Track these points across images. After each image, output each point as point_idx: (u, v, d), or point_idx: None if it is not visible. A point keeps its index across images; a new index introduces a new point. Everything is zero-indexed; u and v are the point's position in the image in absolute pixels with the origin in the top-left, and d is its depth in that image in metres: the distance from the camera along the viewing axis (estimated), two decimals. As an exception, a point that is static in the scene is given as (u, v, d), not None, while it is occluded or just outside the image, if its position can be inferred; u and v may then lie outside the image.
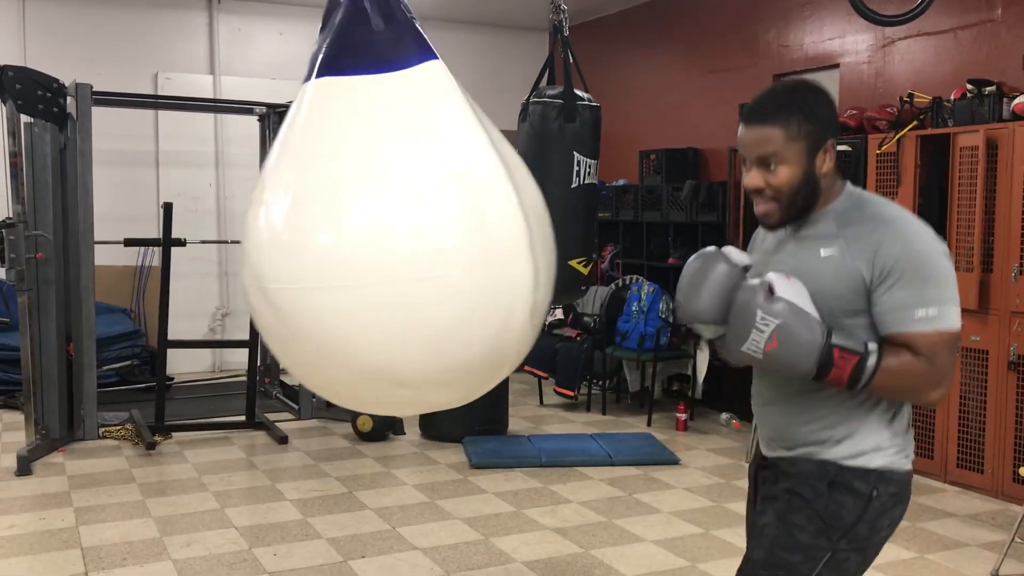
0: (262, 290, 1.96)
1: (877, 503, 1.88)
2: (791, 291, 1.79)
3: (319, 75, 2.05)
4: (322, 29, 2.12)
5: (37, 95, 5.31)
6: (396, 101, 1.98)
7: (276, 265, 1.93)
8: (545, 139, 3.49)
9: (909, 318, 1.77)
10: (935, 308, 1.76)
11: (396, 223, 1.86)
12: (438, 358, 1.93)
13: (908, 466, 1.93)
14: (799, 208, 1.88)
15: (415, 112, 1.97)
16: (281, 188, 1.98)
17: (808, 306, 1.77)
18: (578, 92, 3.60)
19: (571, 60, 3.68)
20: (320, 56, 2.07)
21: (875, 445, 1.89)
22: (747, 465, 5.37)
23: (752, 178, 1.87)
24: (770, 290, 1.79)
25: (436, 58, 2.06)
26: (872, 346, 1.78)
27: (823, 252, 1.86)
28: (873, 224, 1.84)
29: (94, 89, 5.67)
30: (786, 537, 1.89)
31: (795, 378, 1.85)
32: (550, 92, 3.59)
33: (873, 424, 1.90)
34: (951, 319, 1.78)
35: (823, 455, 1.91)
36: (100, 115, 5.90)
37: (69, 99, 5.62)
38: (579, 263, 3.54)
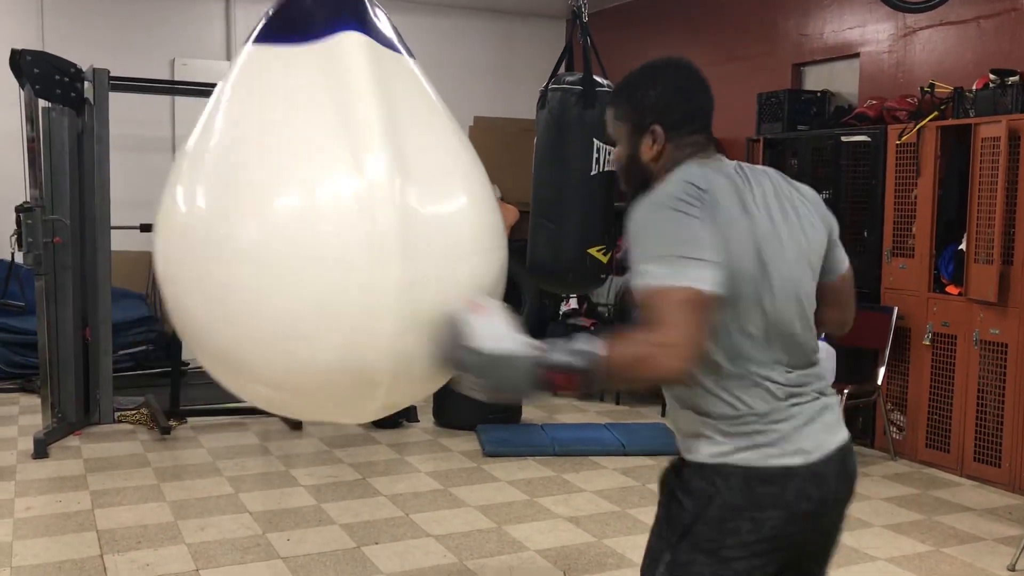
0: (179, 262, 1.96)
1: (724, 502, 1.69)
2: (487, 324, 1.70)
3: (254, 42, 2.09)
4: None
5: (55, 80, 5.32)
6: (298, 74, 1.97)
7: (200, 238, 1.90)
8: (564, 126, 3.46)
9: (635, 279, 1.63)
10: (641, 265, 1.61)
11: (297, 210, 1.81)
12: (284, 356, 1.80)
13: (766, 462, 1.69)
14: (635, 186, 1.88)
15: (313, 88, 1.93)
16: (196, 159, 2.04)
17: (505, 338, 1.68)
18: (597, 78, 3.57)
19: (590, 46, 3.65)
20: (259, 23, 2.11)
21: (714, 439, 1.72)
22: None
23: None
24: (458, 333, 1.70)
25: (353, 29, 2.00)
26: (589, 349, 1.60)
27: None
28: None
29: (111, 74, 5.68)
30: (649, 537, 1.84)
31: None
32: (569, 79, 3.56)
33: (713, 420, 1.73)
34: (655, 277, 1.58)
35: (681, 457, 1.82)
36: (117, 100, 5.91)
37: (87, 84, 5.62)
38: (598, 251, 3.51)
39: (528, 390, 1.64)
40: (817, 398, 1.79)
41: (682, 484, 1.75)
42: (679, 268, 1.58)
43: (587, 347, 1.60)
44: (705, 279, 1.58)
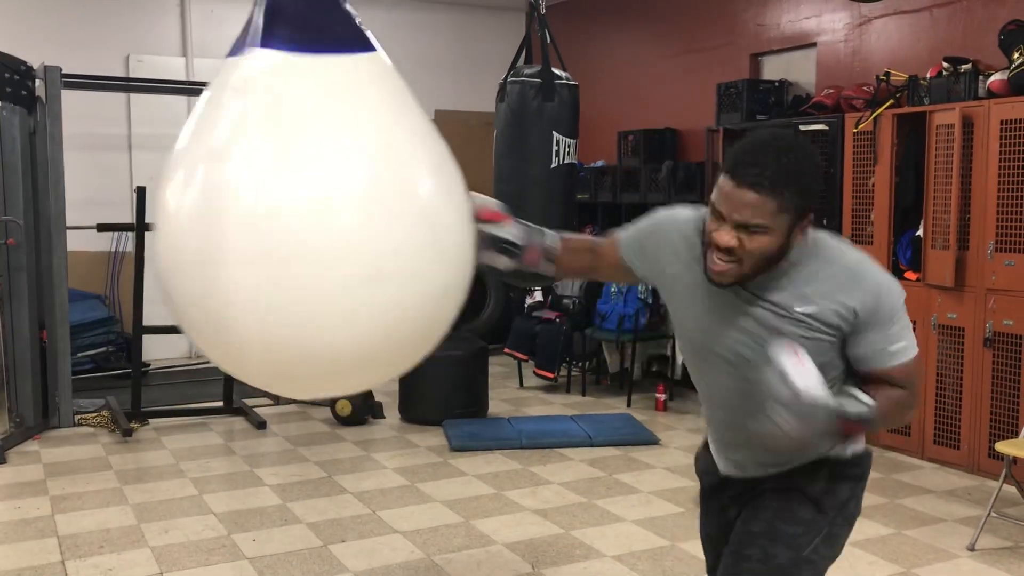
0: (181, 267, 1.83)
1: (864, 482, 2.09)
2: (803, 373, 1.75)
3: (260, 45, 1.81)
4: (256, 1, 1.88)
5: (4, 78, 5.22)
6: (362, 83, 1.82)
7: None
8: (524, 119, 3.47)
9: (886, 356, 1.90)
10: (903, 342, 1.91)
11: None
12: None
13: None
14: (759, 272, 1.84)
15: (355, 100, 1.79)
16: (197, 159, 1.80)
17: (817, 387, 1.74)
18: (556, 71, 3.57)
19: (548, 39, 3.66)
20: (255, 26, 1.83)
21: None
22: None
23: (726, 236, 1.78)
24: (783, 375, 1.75)
25: (376, 50, 1.89)
26: (867, 400, 1.85)
27: (799, 309, 1.86)
28: (843, 280, 1.87)
29: (63, 72, 5.58)
30: (786, 512, 2.00)
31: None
32: (528, 71, 3.56)
33: None
34: (914, 346, 1.95)
35: (816, 457, 2.00)
36: (70, 98, 5.81)
37: (38, 82, 5.52)
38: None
39: (826, 436, 1.79)
40: None
41: (829, 473, 2.00)
42: (913, 336, 1.96)
43: (867, 399, 1.85)
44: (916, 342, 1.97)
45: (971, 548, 3.83)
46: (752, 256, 1.79)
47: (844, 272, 1.88)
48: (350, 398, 5.71)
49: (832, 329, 1.87)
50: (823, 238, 1.92)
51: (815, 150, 1.87)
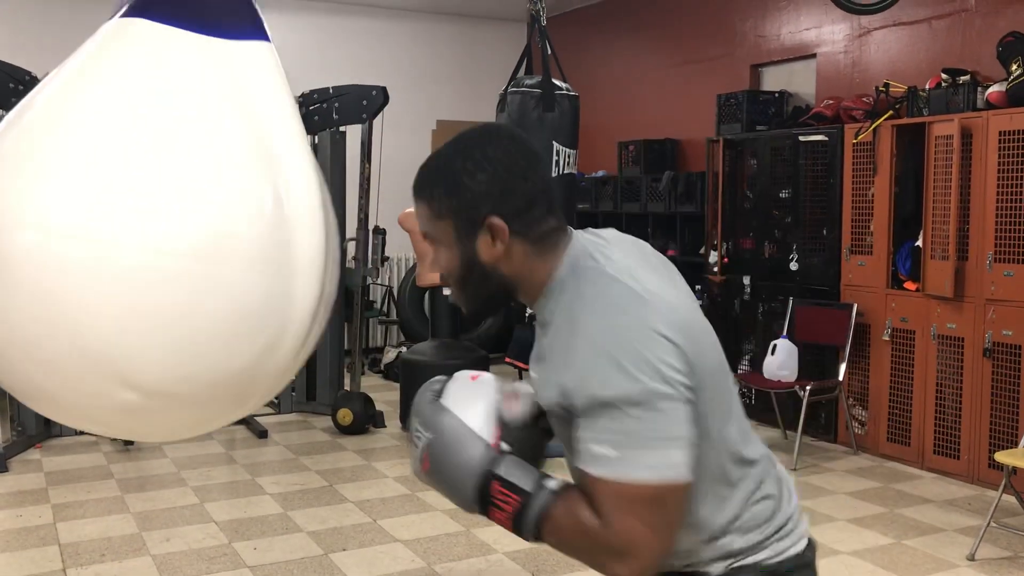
0: None
1: None
2: (464, 395, 1.41)
3: (132, 14, 1.81)
4: None
5: (9, 88, 5.24)
6: (218, 68, 1.77)
7: (20, 196, 1.58)
8: (524, 129, 3.49)
9: (586, 453, 1.29)
10: (609, 450, 1.25)
11: (183, 189, 1.57)
12: (189, 362, 1.59)
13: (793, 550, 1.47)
14: (483, 299, 1.44)
15: (235, 86, 1.74)
16: (50, 114, 1.71)
17: (479, 419, 1.38)
18: (556, 81, 3.60)
19: (549, 50, 3.68)
20: None
21: (743, 545, 1.43)
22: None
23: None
24: (439, 393, 1.43)
25: (269, 41, 1.88)
26: (551, 484, 1.34)
27: (533, 366, 1.46)
28: (563, 327, 1.36)
29: (67, 82, 5.60)
30: None
31: None
32: (528, 82, 3.59)
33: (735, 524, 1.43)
34: (639, 469, 1.24)
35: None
36: (74, 108, 5.83)
37: (42, 92, 5.54)
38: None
39: (462, 488, 1.37)
40: None
41: None
42: (667, 455, 1.27)
43: (552, 486, 1.34)
44: (667, 469, 1.27)
45: (971, 558, 3.83)
46: (447, 273, 1.44)
47: (570, 316, 1.34)
48: (351, 406, 5.72)
49: (557, 383, 1.34)
50: (583, 260, 1.40)
51: (504, 146, 1.39)
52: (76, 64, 1.79)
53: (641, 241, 1.58)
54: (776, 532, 1.45)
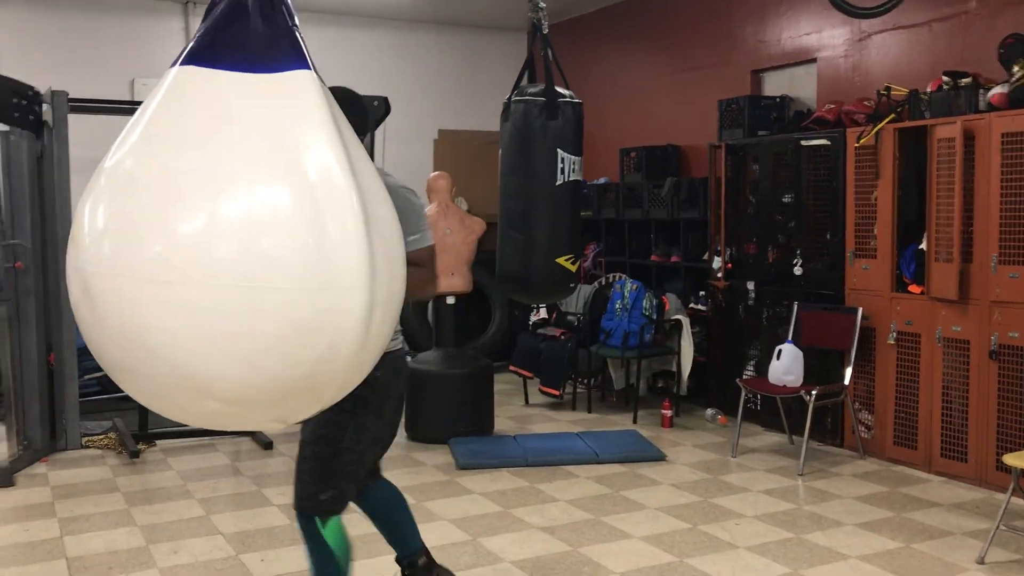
0: (83, 277, 1.90)
1: (383, 376, 2.67)
2: None
3: (183, 63, 2.02)
4: (203, 20, 2.11)
5: (12, 103, 5.26)
6: (257, 102, 1.92)
7: (103, 253, 1.87)
8: (528, 137, 3.49)
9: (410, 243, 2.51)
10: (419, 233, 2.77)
11: (233, 226, 1.80)
12: (253, 374, 1.86)
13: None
14: None
15: (274, 117, 1.91)
16: (121, 175, 1.94)
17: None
18: (559, 89, 3.60)
19: (551, 58, 3.69)
20: (190, 45, 2.04)
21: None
22: (733, 460, 5.39)
23: None
24: None
25: (309, 68, 1.99)
26: None
27: None
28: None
29: (70, 96, 5.62)
30: (319, 418, 2.50)
31: None
32: (532, 90, 3.59)
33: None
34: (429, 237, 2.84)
35: None
36: (77, 122, 5.85)
37: (45, 106, 5.56)
38: (567, 260, 3.54)
39: None
40: None
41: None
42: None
43: None
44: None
45: (980, 561, 3.82)
46: None
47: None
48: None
49: None
50: None
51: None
52: (145, 120, 2.03)
53: None
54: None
